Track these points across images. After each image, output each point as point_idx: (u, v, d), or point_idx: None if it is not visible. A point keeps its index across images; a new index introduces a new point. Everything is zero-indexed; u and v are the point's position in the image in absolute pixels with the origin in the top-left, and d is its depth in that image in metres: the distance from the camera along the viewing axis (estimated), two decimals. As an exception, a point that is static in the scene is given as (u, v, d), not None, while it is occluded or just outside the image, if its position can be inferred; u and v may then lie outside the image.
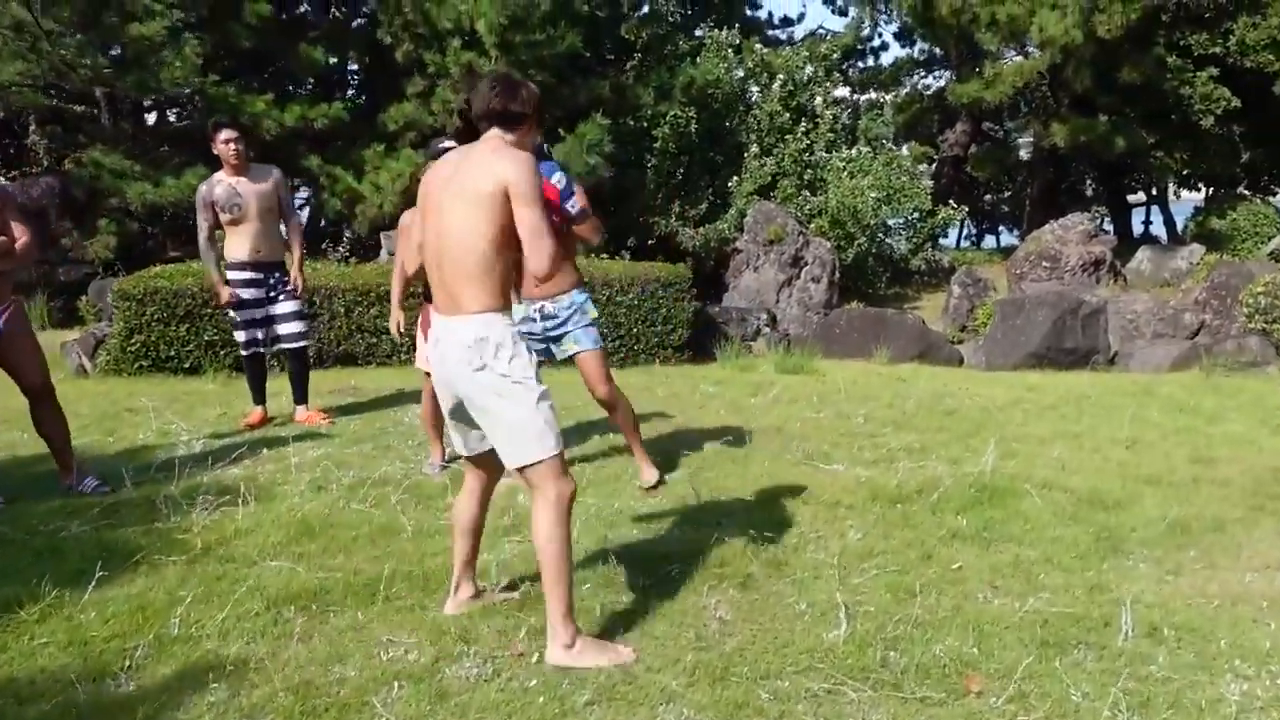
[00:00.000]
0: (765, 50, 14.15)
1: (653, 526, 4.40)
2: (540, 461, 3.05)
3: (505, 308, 3.08)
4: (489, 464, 3.33)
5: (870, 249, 12.95)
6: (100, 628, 3.34)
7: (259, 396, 6.38)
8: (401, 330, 5.43)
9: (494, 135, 3.13)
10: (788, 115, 13.64)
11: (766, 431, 6.22)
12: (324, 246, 12.61)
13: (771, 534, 4.20)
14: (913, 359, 9.59)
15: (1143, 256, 14.39)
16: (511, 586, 3.68)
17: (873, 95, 18.35)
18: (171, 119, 14.61)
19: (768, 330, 9.92)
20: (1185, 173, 16.46)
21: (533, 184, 2.94)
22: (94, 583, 3.65)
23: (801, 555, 4.00)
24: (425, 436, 5.57)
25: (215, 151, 5.97)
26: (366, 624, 3.38)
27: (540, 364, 3.98)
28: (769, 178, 12.97)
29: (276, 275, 6.23)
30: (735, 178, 13.11)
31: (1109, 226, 18.42)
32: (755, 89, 13.99)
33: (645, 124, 12.82)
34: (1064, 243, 13.52)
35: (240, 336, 6.29)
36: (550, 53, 11.54)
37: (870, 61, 19.84)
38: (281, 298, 6.23)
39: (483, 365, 3.00)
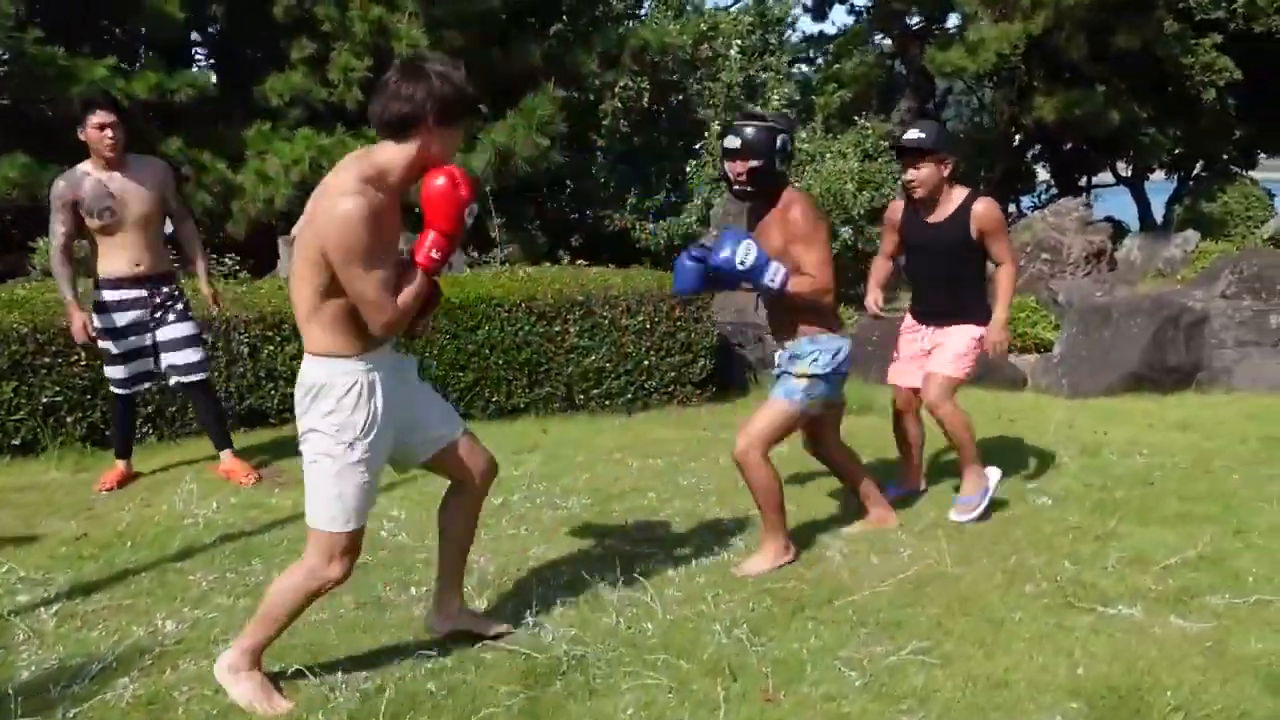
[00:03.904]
0: (715, 12, 12.08)
1: None
2: None
3: None
4: None
5: (856, 243, 11.03)
6: None
7: (125, 448, 5.03)
8: None
9: None
10: (742, 88, 11.66)
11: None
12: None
13: None
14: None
15: (1131, 245, 13.03)
16: None
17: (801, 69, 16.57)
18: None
19: (789, 351, 7.85)
20: (1177, 151, 15.22)
21: None
22: None
23: None
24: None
25: (84, 138, 4.63)
26: None
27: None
28: (737, 161, 10.90)
29: (165, 291, 4.85)
30: (693, 161, 11.03)
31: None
32: (705, 55, 11.90)
33: (592, 97, 10.57)
34: (1062, 231, 12.01)
35: (118, 373, 4.83)
36: (480, 8, 9.21)
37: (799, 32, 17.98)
38: (171, 318, 4.85)
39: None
